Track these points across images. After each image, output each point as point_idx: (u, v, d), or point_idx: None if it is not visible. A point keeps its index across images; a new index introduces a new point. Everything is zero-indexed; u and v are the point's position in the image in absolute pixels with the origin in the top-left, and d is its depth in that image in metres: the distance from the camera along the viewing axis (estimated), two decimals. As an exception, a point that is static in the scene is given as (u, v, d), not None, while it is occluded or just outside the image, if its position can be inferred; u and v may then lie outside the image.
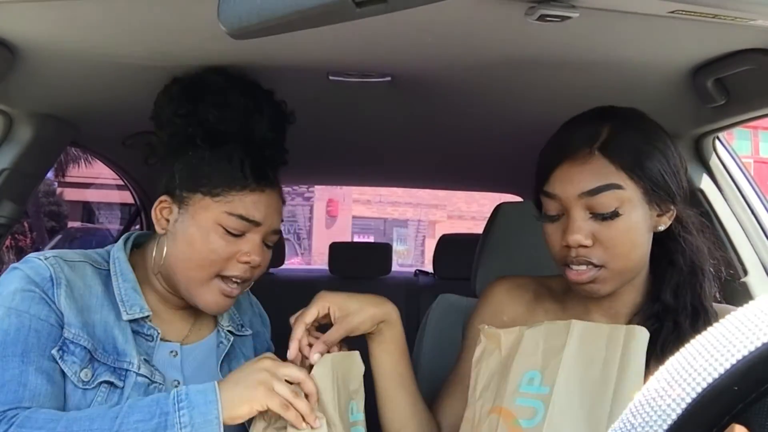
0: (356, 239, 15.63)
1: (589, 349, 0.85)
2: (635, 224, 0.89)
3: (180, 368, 1.01)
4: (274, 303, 1.28)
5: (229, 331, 1.09)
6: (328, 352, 0.96)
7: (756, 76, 0.98)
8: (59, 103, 1.31)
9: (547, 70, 1.06)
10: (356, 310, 0.98)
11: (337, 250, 2.98)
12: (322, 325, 0.99)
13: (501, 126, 1.49)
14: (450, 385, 1.08)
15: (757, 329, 0.33)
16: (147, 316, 0.98)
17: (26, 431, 0.80)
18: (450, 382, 1.09)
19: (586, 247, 0.89)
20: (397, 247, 16.68)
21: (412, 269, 3.24)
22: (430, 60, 1.04)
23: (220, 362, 1.05)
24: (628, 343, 0.83)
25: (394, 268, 3.03)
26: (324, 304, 0.97)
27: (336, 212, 17.96)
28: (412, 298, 2.60)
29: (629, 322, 0.95)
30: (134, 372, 0.93)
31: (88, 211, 13.65)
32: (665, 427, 0.34)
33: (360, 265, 2.89)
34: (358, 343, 1.01)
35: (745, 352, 0.33)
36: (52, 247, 2.88)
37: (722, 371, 0.33)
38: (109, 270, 1.00)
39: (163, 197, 1.00)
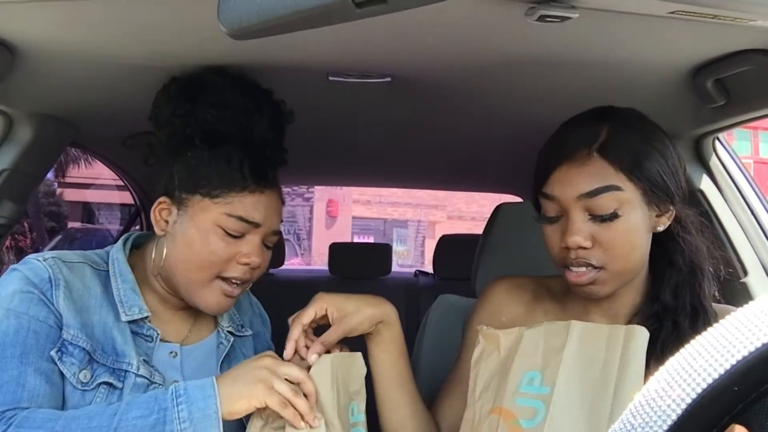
0: (356, 240, 15.63)
1: (589, 350, 0.85)
2: (634, 225, 0.89)
3: (180, 369, 1.01)
4: (274, 303, 1.28)
5: (229, 331, 1.09)
6: (328, 352, 0.96)
7: (756, 76, 0.98)
8: (59, 104, 1.31)
9: (546, 70, 1.06)
10: (354, 311, 0.97)
11: (337, 250, 2.98)
12: (321, 326, 0.99)
13: (501, 126, 1.49)
14: (449, 386, 1.08)
15: (757, 329, 0.33)
16: (146, 317, 0.98)
17: (25, 431, 0.80)
18: (449, 382, 1.08)
19: (585, 248, 0.89)
20: (397, 248, 16.67)
21: (412, 270, 3.24)
22: (430, 60, 1.04)
23: (220, 363, 1.05)
24: (628, 343, 0.84)
25: (394, 268, 3.03)
26: (322, 305, 0.97)
27: (336, 213, 17.96)
28: (412, 298, 2.60)
29: (629, 322, 0.95)
30: (133, 373, 0.93)
31: (88, 211, 13.66)
32: (665, 427, 0.34)
33: (360, 266, 2.89)
34: (358, 343, 1.01)
35: (745, 353, 0.33)
36: (52, 248, 2.88)
37: (722, 371, 0.33)
38: (108, 271, 1.00)
39: (162, 198, 1.00)
